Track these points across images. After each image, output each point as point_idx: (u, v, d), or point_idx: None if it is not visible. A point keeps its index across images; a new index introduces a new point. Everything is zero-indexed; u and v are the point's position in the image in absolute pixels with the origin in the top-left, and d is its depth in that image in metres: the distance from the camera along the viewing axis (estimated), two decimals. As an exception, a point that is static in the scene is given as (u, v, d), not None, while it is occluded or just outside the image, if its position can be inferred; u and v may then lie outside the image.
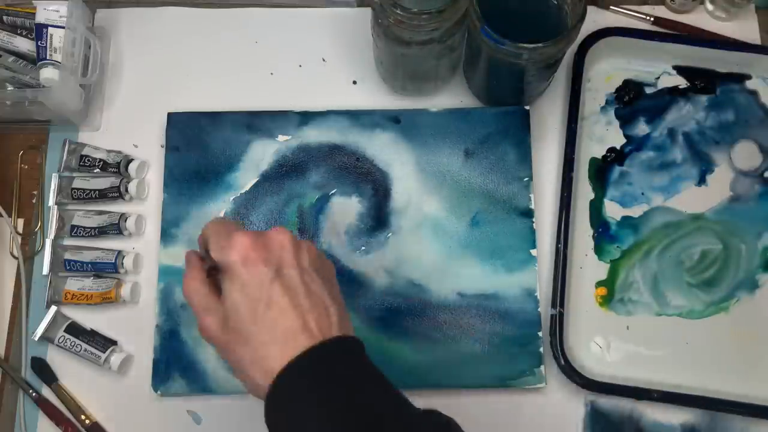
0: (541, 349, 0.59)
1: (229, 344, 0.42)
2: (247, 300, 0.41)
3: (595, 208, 0.64)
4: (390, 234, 0.62)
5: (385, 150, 0.64)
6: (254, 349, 0.41)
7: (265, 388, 0.40)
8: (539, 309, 0.60)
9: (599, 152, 0.65)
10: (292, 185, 0.63)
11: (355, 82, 0.68)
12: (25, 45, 0.64)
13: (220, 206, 0.63)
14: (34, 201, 0.65)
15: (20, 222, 0.65)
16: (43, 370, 0.61)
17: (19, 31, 0.65)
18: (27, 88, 0.62)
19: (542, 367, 0.59)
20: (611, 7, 0.69)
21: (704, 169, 0.64)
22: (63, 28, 0.62)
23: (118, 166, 0.64)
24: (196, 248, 0.61)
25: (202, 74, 0.68)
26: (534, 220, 0.62)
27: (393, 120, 0.64)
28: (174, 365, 0.59)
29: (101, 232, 0.63)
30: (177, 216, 0.62)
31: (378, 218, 0.63)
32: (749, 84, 0.66)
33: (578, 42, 0.64)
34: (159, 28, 0.70)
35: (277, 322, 0.41)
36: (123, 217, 0.63)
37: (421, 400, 0.59)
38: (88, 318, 0.62)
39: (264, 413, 0.40)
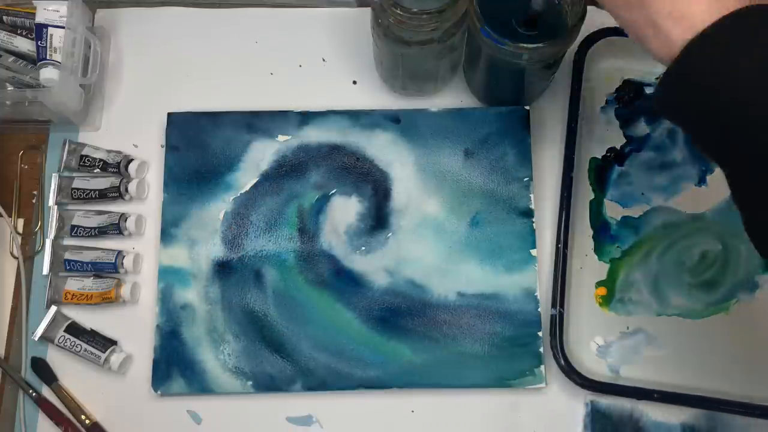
0: (541, 349, 0.59)
1: None
2: None
3: (595, 208, 0.64)
4: (390, 234, 0.62)
5: (385, 150, 0.64)
6: (672, 2, 0.38)
7: (679, 42, 0.37)
8: (539, 309, 0.60)
9: (599, 152, 0.65)
10: (292, 185, 0.63)
11: (355, 82, 0.68)
12: (25, 45, 0.64)
13: (220, 206, 0.63)
14: (34, 201, 0.66)
15: (20, 222, 0.65)
16: (43, 370, 0.61)
17: (19, 31, 0.65)
18: (27, 88, 0.62)
19: (542, 367, 0.59)
20: (611, 7, 0.69)
21: (704, 169, 0.64)
22: (63, 28, 0.62)
23: (118, 166, 0.64)
24: (196, 249, 0.62)
25: (202, 74, 0.68)
26: (534, 220, 0.62)
27: (393, 120, 0.64)
28: (174, 365, 0.59)
29: (101, 232, 0.63)
30: (177, 216, 0.62)
31: (378, 218, 0.63)
32: (749, 84, 0.66)
33: (578, 42, 0.64)
34: (159, 28, 0.70)
35: None
36: (123, 217, 0.63)
37: (421, 400, 0.60)
38: (88, 318, 0.62)
39: (675, 66, 0.38)
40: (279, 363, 0.59)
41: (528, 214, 0.62)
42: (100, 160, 0.64)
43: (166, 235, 0.62)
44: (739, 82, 0.36)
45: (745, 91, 0.36)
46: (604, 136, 0.65)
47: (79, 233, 0.63)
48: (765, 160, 0.36)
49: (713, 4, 0.37)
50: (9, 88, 0.63)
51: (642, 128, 0.65)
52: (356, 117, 0.65)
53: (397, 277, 0.61)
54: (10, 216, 0.65)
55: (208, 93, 0.67)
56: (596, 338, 0.61)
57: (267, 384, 0.59)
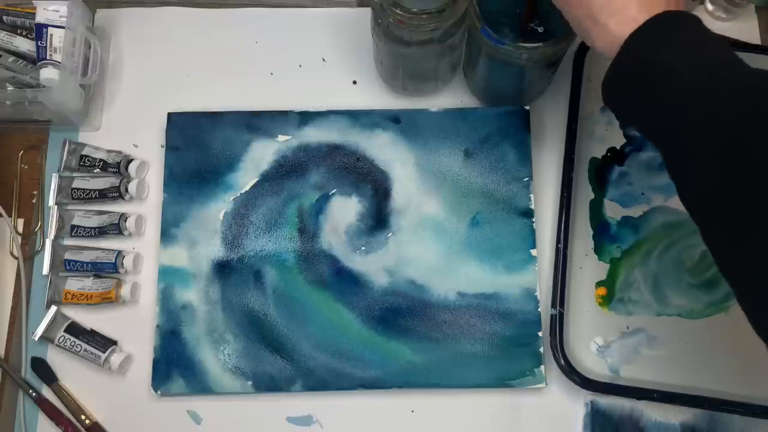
0: (541, 349, 0.59)
1: None
2: None
3: (595, 208, 0.64)
4: (390, 234, 0.62)
5: (385, 150, 0.64)
6: (610, 2, 0.45)
7: (619, 35, 0.44)
8: (539, 309, 0.60)
9: (599, 152, 0.65)
10: (292, 185, 0.63)
11: (355, 82, 0.68)
12: (25, 45, 0.64)
13: (220, 206, 0.63)
14: (34, 201, 0.66)
15: (20, 222, 0.65)
16: (43, 370, 0.61)
17: (19, 31, 0.65)
18: (27, 88, 0.62)
19: (542, 367, 0.59)
20: (611, 7, 0.69)
21: (704, 169, 0.64)
22: (63, 28, 0.62)
23: (118, 166, 0.64)
24: (196, 249, 0.62)
25: (202, 74, 0.68)
26: (534, 220, 0.62)
27: (393, 120, 0.64)
28: (174, 365, 0.59)
29: (101, 232, 0.63)
30: (177, 216, 0.62)
31: (378, 218, 0.63)
32: (749, 84, 0.66)
33: (578, 42, 0.64)
34: (159, 28, 0.70)
35: None
36: (123, 217, 0.63)
37: (421, 400, 0.60)
38: (88, 318, 0.62)
39: (619, 56, 0.44)
40: (279, 363, 0.59)
41: (528, 214, 0.62)
42: (100, 160, 0.64)
43: (166, 235, 0.62)
44: (672, 57, 0.43)
45: (677, 65, 0.43)
46: (604, 136, 0.65)
47: (79, 233, 0.63)
48: (694, 131, 0.42)
49: (642, 3, 0.44)
50: (9, 88, 0.63)
51: (642, 128, 0.65)
52: (356, 117, 0.65)
53: (397, 277, 0.61)
54: (10, 216, 0.65)
55: (208, 93, 0.67)
56: (596, 338, 0.61)
57: (267, 384, 0.59)
